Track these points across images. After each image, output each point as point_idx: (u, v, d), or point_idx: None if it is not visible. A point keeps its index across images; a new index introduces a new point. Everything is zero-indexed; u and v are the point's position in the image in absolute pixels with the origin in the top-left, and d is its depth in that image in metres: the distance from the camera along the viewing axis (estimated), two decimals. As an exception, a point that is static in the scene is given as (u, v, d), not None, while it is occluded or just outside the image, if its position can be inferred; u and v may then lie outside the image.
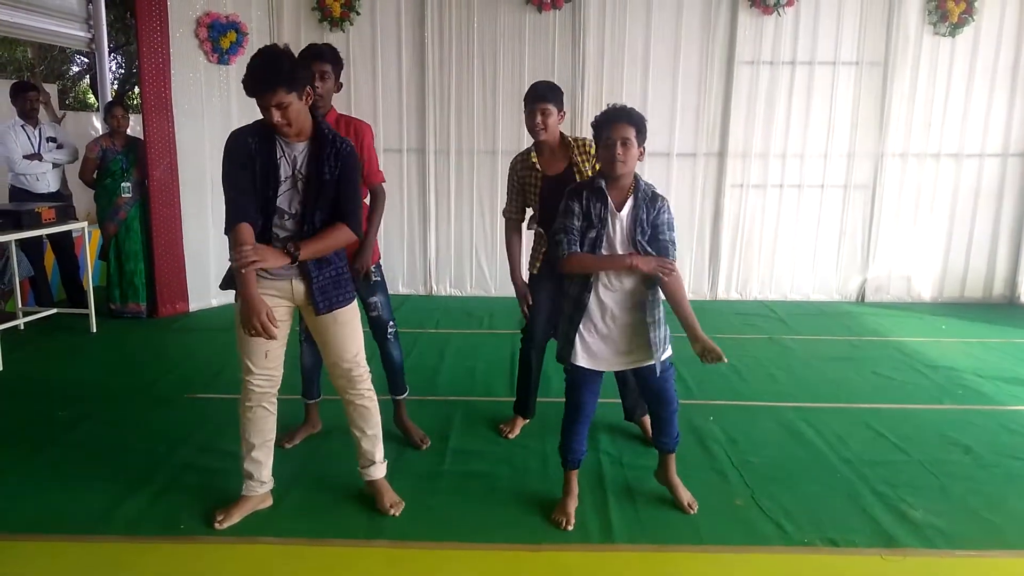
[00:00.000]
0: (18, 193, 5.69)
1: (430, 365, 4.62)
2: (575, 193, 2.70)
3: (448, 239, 6.64)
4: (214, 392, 4.15)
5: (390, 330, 3.43)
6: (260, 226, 2.56)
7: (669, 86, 6.32)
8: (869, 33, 6.22)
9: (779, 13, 6.15)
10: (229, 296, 6.01)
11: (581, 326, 2.71)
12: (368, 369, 2.84)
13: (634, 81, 6.32)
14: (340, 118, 3.23)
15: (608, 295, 2.68)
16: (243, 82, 2.44)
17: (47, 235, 5.50)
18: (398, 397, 3.56)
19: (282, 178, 2.54)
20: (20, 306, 5.50)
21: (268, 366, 2.72)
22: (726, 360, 2.59)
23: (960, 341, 5.33)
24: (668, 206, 2.70)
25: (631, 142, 2.59)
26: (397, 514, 2.84)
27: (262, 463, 2.83)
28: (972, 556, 2.63)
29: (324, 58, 3.09)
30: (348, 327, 2.74)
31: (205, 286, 5.99)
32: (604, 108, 2.69)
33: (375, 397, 2.87)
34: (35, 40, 8.47)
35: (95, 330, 5.38)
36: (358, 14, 6.23)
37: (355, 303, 2.79)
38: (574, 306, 2.72)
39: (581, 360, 2.73)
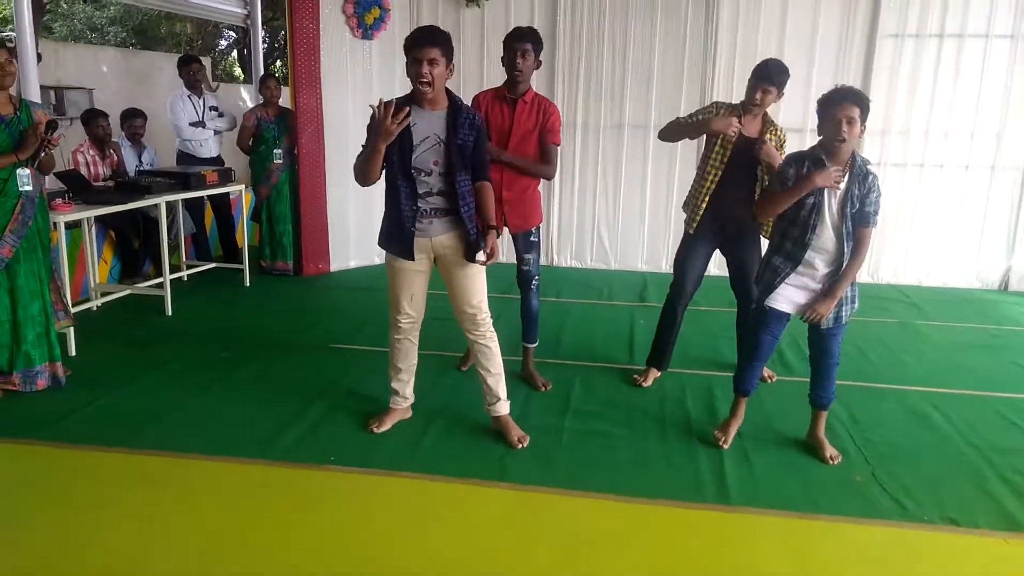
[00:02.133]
0: (184, 158, 6.26)
1: (552, 333, 4.80)
2: (795, 160, 2.95)
3: (571, 212, 6.77)
4: (355, 344, 4.51)
5: (534, 283, 3.83)
6: (407, 187, 2.96)
7: (806, 58, 6.14)
8: (1029, 4, 5.83)
9: (928, -18, 5.86)
10: (366, 259, 6.40)
11: (788, 279, 3.00)
12: (489, 315, 3.19)
13: (768, 53, 6.14)
14: (535, 97, 3.59)
15: (816, 256, 2.94)
16: (407, 39, 2.86)
17: (208, 196, 6.06)
18: (529, 344, 3.94)
19: (416, 141, 2.90)
20: (184, 260, 6.10)
21: (412, 309, 3.28)
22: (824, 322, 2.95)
23: (1114, 335, 5.01)
24: (878, 184, 2.92)
25: (856, 120, 2.81)
26: (524, 446, 3.17)
27: (406, 383, 3.41)
28: (1105, 547, 2.57)
29: (525, 38, 3.46)
30: (478, 276, 3.13)
31: (345, 248, 6.43)
32: (834, 87, 2.89)
33: (496, 339, 3.23)
34: (197, 16, 9.16)
35: (248, 284, 5.90)
36: (494, -10, 6.42)
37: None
38: (787, 258, 3.00)
39: (779, 303, 3.02)
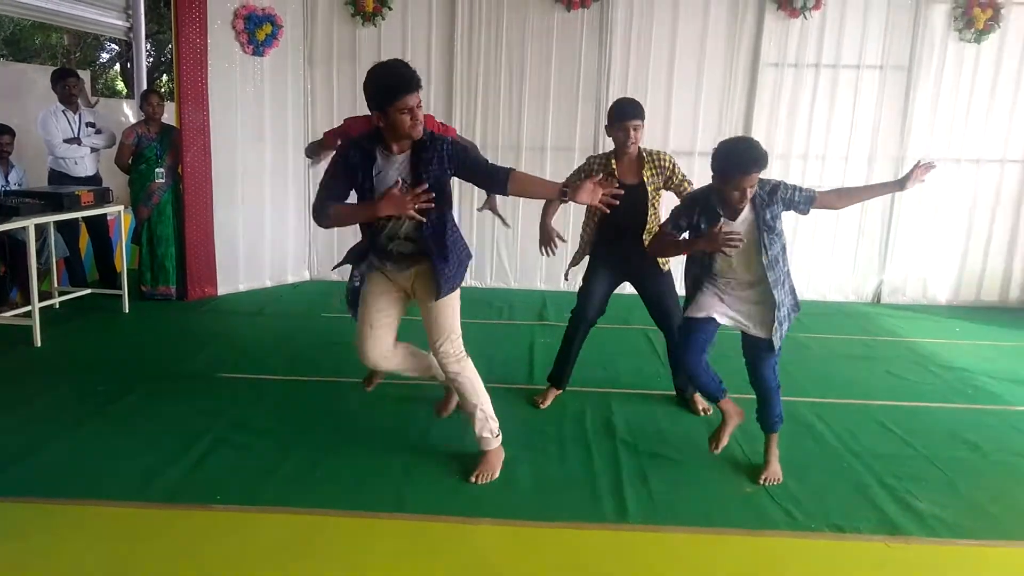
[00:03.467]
0: (57, 176, 5.87)
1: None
2: (687, 209, 2.97)
3: (470, 231, 6.75)
4: (243, 372, 4.31)
5: None
6: (372, 231, 2.91)
7: (693, 86, 6.39)
8: (894, 37, 6.27)
9: (805, 16, 6.21)
10: (256, 281, 6.19)
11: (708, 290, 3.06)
12: (456, 353, 3.05)
13: (659, 80, 6.40)
14: (430, 120, 3.61)
15: (731, 280, 3.03)
16: (389, 85, 2.64)
17: (83, 217, 5.69)
18: None
19: (381, 189, 2.77)
20: (56, 286, 5.70)
21: (373, 345, 3.10)
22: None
23: (974, 343, 5.40)
24: (785, 183, 2.92)
25: (755, 184, 2.79)
26: (478, 482, 3.06)
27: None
28: (973, 545, 2.73)
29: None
30: (441, 314, 3.00)
31: (234, 271, 6.18)
32: (734, 143, 2.81)
33: (464, 376, 3.07)
34: (75, 28, 8.68)
35: (127, 311, 5.57)
36: (390, 9, 6.35)
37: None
38: (699, 279, 3.08)
39: (698, 312, 3.04)
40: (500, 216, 4.36)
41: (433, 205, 2.74)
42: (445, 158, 2.79)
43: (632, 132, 3.48)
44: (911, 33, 6.25)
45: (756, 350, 3.08)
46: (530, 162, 6.54)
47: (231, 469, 3.13)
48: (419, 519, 2.80)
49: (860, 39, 6.29)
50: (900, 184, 3.07)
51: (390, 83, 2.64)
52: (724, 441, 3.23)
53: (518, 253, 6.75)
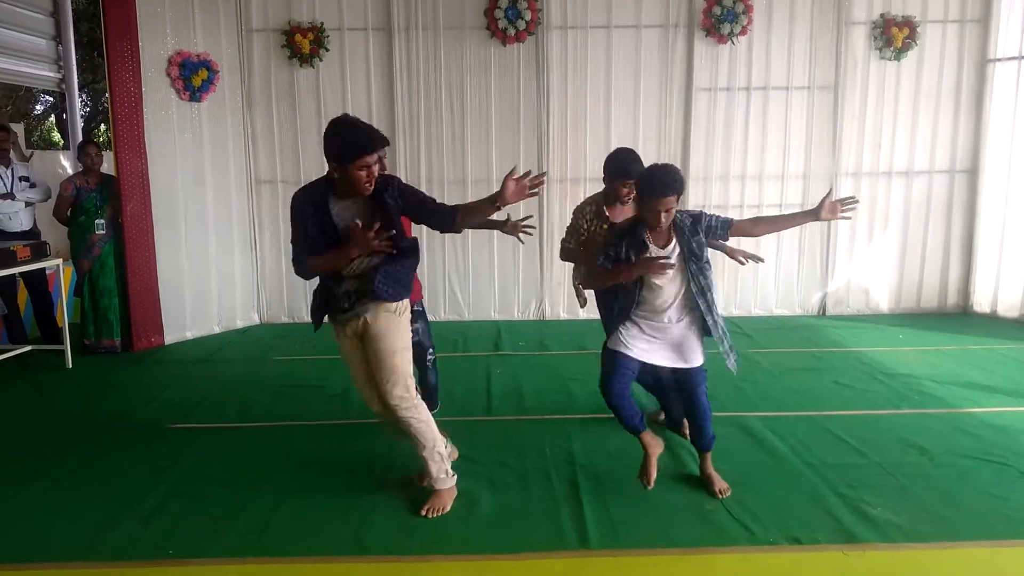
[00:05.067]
0: (-9, 232, 5.71)
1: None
2: (614, 241, 3.05)
3: (422, 265, 6.71)
4: (194, 422, 4.21)
5: (430, 357, 3.92)
6: (329, 285, 2.99)
7: (631, 114, 6.54)
8: (819, 59, 6.52)
9: (733, 42, 6.42)
10: (204, 328, 6.10)
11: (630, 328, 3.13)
12: (407, 397, 3.02)
13: (597, 110, 6.53)
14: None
15: (656, 316, 3.10)
16: (352, 143, 2.76)
17: (20, 273, 5.53)
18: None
19: (339, 232, 2.87)
20: (-6, 345, 5.51)
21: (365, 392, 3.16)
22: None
23: (916, 349, 5.56)
24: (705, 212, 3.07)
25: (673, 207, 2.92)
26: (430, 516, 3.06)
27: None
28: (927, 548, 2.79)
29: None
30: (387, 359, 2.98)
31: (180, 319, 6.05)
32: (651, 169, 2.98)
33: (413, 419, 3.04)
34: (5, 81, 8.50)
35: (71, 366, 5.40)
36: (327, 50, 6.38)
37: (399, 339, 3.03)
38: (622, 314, 3.16)
39: (620, 347, 3.10)
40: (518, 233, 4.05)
41: (392, 248, 2.86)
42: (396, 195, 2.90)
43: (625, 189, 3.55)
44: (835, 54, 6.51)
45: (689, 380, 3.16)
46: (477, 195, 6.55)
47: (184, 522, 3.05)
48: (379, 560, 2.76)
49: (787, 61, 6.52)
50: (814, 214, 3.13)
51: (356, 141, 2.75)
52: (654, 473, 3.23)
53: (470, 285, 6.76)
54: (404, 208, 2.94)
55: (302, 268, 2.96)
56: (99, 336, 5.76)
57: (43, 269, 5.64)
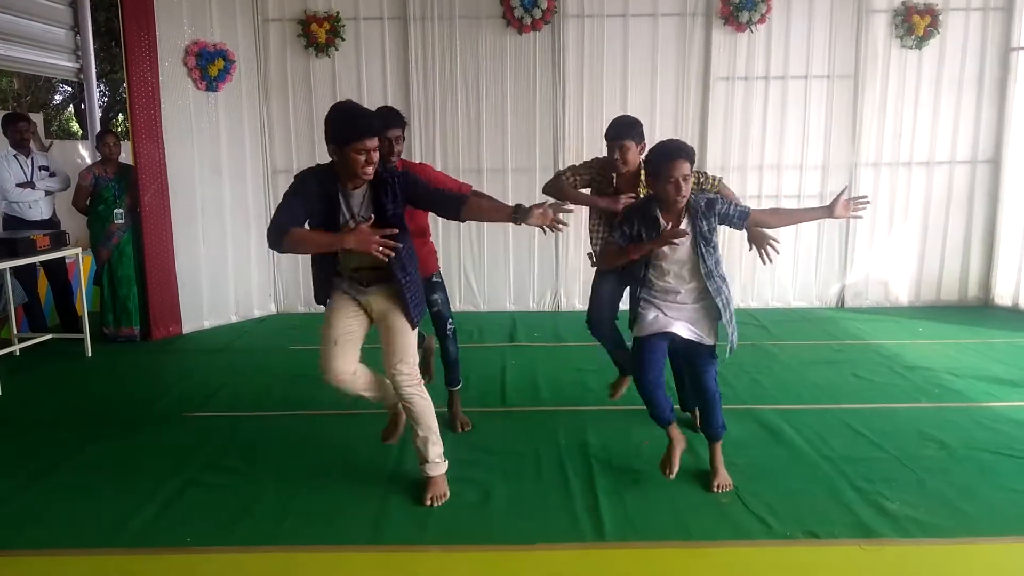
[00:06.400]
0: (11, 221, 5.77)
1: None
2: (627, 219, 3.05)
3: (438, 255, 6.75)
4: (212, 411, 4.24)
5: (450, 327, 3.84)
6: (329, 262, 2.97)
7: (648, 103, 6.47)
8: (839, 47, 6.44)
9: (751, 30, 6.35)
10: (222, 318, 6.13)
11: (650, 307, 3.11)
12: (413, 376, 3.06)
13: (613, 98, 6.48)
14: (403, 163, 3.62)
15: (669, 292, 3.10)
16: (347, 126, 2.72)
17: (41, 262, 5.59)
18: (452, 388, 3.95)
19: (341, 222, 2.87)
20: (15, 332, 5.57)
21: (338, 361, 3.07)
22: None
23: (936, 343, 5.51)
24: (722, 198, 3.05)
25: (689, 176, 2.90)
26: (436, 504, 3.07)
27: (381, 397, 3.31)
28: (946, 544, 2.77)
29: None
30: (398, 337, 3.03)
31: (198, 308, 6.10)
32: (661, 143, 2.97)
33: (418, 399, 3.07)
34: (24, 71, 8.56)
35: (90, 354, 5.45)
36: (343, 40, 6.38)
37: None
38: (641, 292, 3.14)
39: (645, 331, 3.08)
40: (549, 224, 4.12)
41: (400, 245, 2.82)
42: (398, 191, 2.89)
43: (617, 153, 3.53)
44: (855, 42, 6.42)
45: (699, 360, 3.14)
46: (492, 184, 6.56)
47: (203, 510, 3.07)
48: (396, 549, 2.77)
49: (806, 50, 6.44)
50: (829, 210, 3.10)
51: (353, 124, 2.73)
52: (676, 466, 3.21)
53: (485, 276, 6.76)
54: (409, 201, 2.95)
55: (279, 236, 2.78)
56: (118, 325, 5.82)
57: (63, 258, 5.69)
